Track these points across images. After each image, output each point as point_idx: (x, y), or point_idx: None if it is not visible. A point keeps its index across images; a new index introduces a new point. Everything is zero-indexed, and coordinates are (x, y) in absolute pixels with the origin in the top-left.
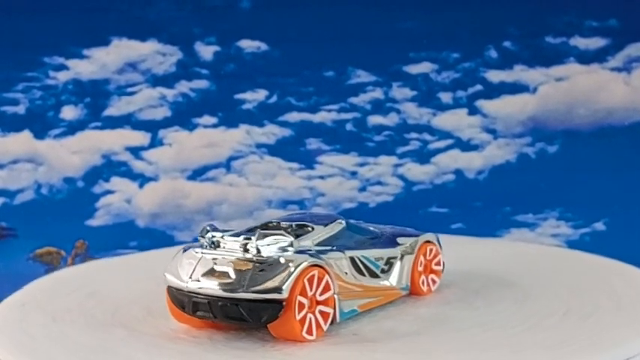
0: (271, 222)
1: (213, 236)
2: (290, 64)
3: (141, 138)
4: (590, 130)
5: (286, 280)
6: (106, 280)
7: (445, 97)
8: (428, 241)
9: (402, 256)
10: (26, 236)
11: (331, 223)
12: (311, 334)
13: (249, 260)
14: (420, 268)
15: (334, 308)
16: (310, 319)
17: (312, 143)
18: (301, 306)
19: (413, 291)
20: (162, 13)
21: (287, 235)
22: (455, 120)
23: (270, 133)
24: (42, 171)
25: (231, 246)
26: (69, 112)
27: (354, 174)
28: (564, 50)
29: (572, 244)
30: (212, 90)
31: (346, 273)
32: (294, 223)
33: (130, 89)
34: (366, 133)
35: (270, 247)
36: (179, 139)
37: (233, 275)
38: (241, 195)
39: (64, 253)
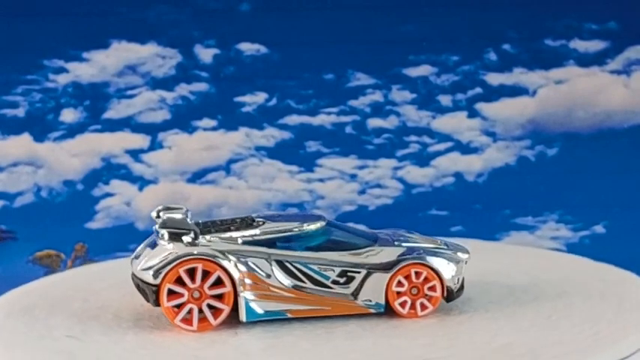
0: (249, 216)
1: (156, 217)
2: (289, 66)
3: (140, 141)
4: (590, 132)
5: (161, 268)
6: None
7: (445, 99)
8: (418, 264)
9: (370, 272)
10: (26, 239)
11: (288, 223)
12: (189, 325)
13: (157, 245)
14: (400, 289)
15: (233, 306)
16: (191, 309)
17: (312, 146)
18: (175, 294)
19: (394, 311)
20: (162, 16)
21: (193, 226)
22: (454, 123)
23: (270, 135)
24: (42, 174)
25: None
26: (68, 115)
27: (353, 177)
28: (564, 53)
29: (571, 247)
30: (211, 93)
31: (269, 275)
32: (258, 219)
33: (129, 92)
34: (365, 136)
35: (173, 235)
36: (179, 141)
37: (143, 256)
38: (241, 197)
39: (63, 256)
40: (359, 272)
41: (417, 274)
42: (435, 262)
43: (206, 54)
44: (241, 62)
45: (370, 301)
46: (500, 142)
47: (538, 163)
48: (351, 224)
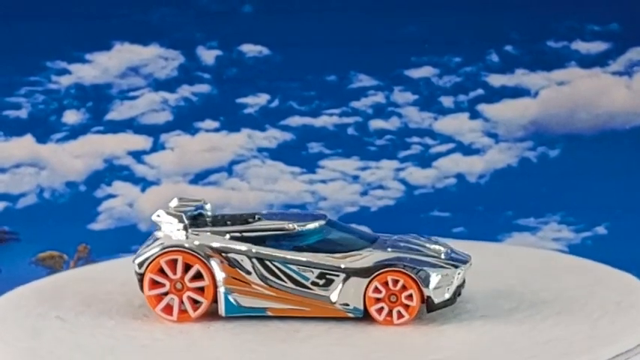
0: (253, 213)
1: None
2: (292, 68)
3: (143, 142)
4: (592, 134)
5: (146, 258)
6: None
7: (446, 101)
8: (395, 271)
9: (348, 276)
10: (29, 240)
11: (280, 222)
12: (169, 314)
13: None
14: (377, 295)
15: (212, 300)
16: (172, 299)
17: (314, 147)
18: (156, 284)
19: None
20: (164, 18)
21: (183, 218)
22: (456, 124)
23: (272, 137)
24: (44, 175)
25: None
26: (71, 117)
27: (355, 178)
28: (566, 54)
29: (573, 248)
30: (214, 94)
31: (249, 272)
32: (258, 216)
33: (132, 93)
34: (367, 137)
35: (167, 226)
36: (181, 143)
37: (141, 246)
38: (243, 199)
39: (66, 257)
40: (338, 275)
41: (395, 281)
42: (416, 270)
43: (208, 55)
44: (243, 64)
45: (348, 305)
46: (502, 144)
47: (540, 164)
48: (353, 225)
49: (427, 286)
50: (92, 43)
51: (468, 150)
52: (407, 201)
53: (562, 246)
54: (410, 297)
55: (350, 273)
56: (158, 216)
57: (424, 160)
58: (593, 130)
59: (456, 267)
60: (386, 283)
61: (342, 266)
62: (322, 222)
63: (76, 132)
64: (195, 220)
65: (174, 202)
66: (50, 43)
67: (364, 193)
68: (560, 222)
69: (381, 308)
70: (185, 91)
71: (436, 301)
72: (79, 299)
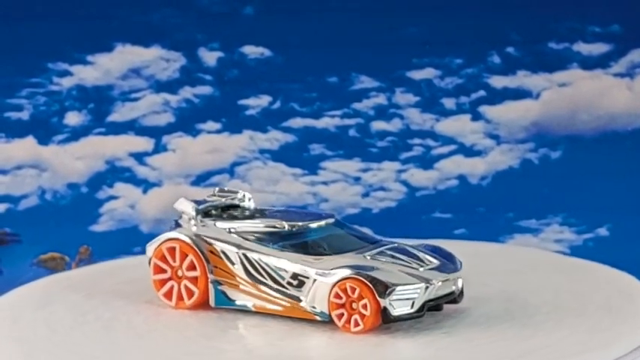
0: (265, 208)
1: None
2: (293, 69)
3: (144, 144)
4: (593, 135)
5: (154, 243)
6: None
7: (448, 102)
8: (354, 279)
9: (315, 280)
10: (30, 242)
11: (276, 220)
12: (169, 300)
13: None
14: (338, 301)
15: (202, 290)
16: (172, 286)
17: (316, 149)
18: (160, 269)
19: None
20: (166, 20)
21: (193, 209)
22: (458, 126)
23: (274, 138)
24: (46, 177)
25: None
26: (73, 118)
27: (357, 179)
28: (567, 56)
29: (575, 250)
30: (215, 96)
31: (235, 266)
32: (266, 212)
33: (133, 95)
34: (369, 139)
35: (184, 214)
36: (183, 144)
37: None
38: None
39: (68, 259)
40: (308, 278)
41: (352, 289)
42: (374, 280)
43: (210, 57)
44: (245, 65)
45: (315, 308)
46: (503, 145)
47: (542, 165)
48: (357, 228)
49: (383, 296)
50: (93, 44)
51: (469, 151)
52: (408, 202)
53: (564, 247)
54: (365, 306)
55: (319, 278)
56: (179, 204)
57: (426, 162)
58: (594, 132)
59: (426, 281)
60: (345, 290)
61: (312, 269)
62: (323, 223)
63: (77, 133)
64: (222, 212)
65: (215, 191)
66: (51, 45)
67: (366, 195)
68: (561, 223)
69: (342, 314)
70: (187, 92)
71: (394, 313)
72: (104, 285)
